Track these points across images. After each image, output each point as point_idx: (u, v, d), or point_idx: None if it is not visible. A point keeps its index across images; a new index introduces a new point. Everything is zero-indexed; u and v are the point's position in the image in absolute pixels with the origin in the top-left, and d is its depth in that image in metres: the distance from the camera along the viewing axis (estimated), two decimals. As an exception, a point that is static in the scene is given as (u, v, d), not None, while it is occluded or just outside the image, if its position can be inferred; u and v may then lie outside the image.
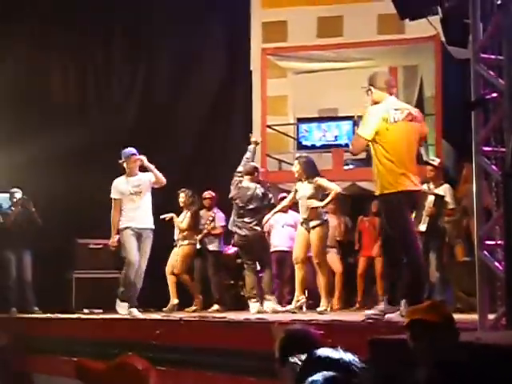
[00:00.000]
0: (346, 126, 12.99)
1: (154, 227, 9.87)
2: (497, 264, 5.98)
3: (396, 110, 7.04)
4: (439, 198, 9.78)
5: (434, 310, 3.94)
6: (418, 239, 7.09)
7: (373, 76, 7.30)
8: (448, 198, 9.87)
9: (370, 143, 7.02)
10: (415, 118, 7.16)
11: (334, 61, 13.69)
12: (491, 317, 6.03)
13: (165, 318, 9.23)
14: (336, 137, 13.02)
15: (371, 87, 7.17)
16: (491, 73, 6.07)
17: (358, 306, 11.47)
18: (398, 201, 6.87)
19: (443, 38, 12.29)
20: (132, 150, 9.93)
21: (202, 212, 11.60)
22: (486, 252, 6.05)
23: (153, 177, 9.86)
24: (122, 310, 9.77)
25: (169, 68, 13.85)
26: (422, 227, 9.78)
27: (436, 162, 10.18)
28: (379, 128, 6.90)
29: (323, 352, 3.61)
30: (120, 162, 9.88)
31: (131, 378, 3.18)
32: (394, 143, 6.91)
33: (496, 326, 5.89)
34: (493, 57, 6.09)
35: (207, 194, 11.61)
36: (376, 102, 7.11)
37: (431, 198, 9.81)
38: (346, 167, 12.69)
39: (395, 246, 7.00)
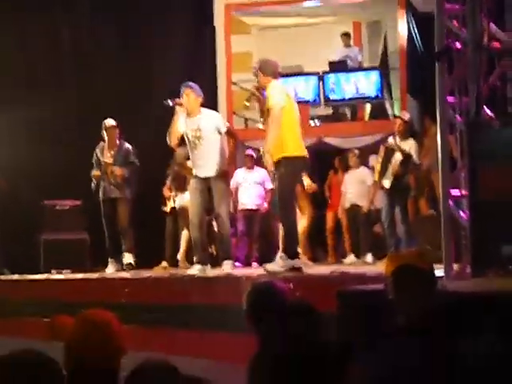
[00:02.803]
0: (312, 81, 12.97)
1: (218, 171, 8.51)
2: (462, 214, 6.05)
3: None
4: (407, 158, 9.83)
5: (419, 258, 3.95)
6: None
7: (263, 64, 8.01)
8: (413, 153, 9.94)
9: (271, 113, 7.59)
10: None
11: (298, 16, 13.63)
12: (456, 266, 6.11)
13: (134, 276, 9.23)
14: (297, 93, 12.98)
15: (260, 72, 7.88)
16: (455, 23, 6.08)
17: (330, 260, 11.56)
18: (296, 164, 7.74)
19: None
20: (189, 82, 8.63)
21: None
22: (451, 202, 6.12)
23: (219, 118, 8.69)
24: (192, 270, 8.66)
25: (132, 25, 13.68)
26: (386, 183, 9.88)
27: (406, 116, 10.33)
28: (286, 103, 7.65)
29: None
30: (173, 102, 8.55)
31: (97, 329, 3.20)
32: (295, 116, 7.79)
33: (461, 274, 5.97)
34: (456, 7, 6.10)
35: None
36: (261, 86, 7.89)
37: (398, 156, 9.85)
38: (311, 123, 12.69)
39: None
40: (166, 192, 11.42)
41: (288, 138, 7.65)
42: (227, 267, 8.47)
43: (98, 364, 3.12)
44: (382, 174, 9.97)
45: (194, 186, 8.67)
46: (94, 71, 13.64)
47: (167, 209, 11.45)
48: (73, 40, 13.72)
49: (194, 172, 8.61)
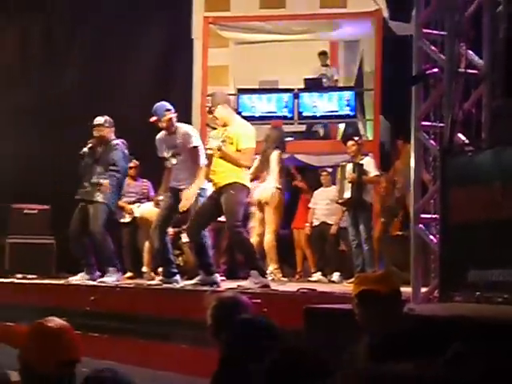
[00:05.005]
0: (286, 98, 13.00)
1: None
2: (431, 237, 6.08)
3: None
4: (357, 165, 10.03)
5: (385, 281, 3.96)
6: None
7: (215, 96, 8.34)
8: (370, 168, 10.09)
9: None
10: None
11: (276, 33, 13.67)
12: (424, 290, 6.14)
13: (100, 284, 9.17)
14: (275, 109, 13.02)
15: (219, 105, 8.10)
16: (433, 48, 6.14)
17: (298, 277, 11.57)
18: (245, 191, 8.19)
19: (385, 14, 12.52)
20: (164, 105, 8.87)
21: (127, 181, 10.95)
22: (421, 225, 6.15)
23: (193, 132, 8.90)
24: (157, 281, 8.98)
25: (112, 33, 13.67)
26: (347, 194, 10.06)
27: (357, 138, 10.64)
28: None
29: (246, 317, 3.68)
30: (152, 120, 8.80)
31: (49, 337, 3.23)
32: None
33: (428, 298, 6.00)
34: (435, 32, 6.16)
35: (132, 163, 11.06)
36: (224, 117, 8.12)
37: (350, 166, 10.10)
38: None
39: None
40: (122, 202, 11.20)
41: (243, 171, 8.09)
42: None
43: (50, 371, 3.15)
44: (342, 190, 10.12)
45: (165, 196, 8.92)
46: (66, 79, 13.62)
47: (126, 219, 11.37)
48: (48, 47, 13.73)
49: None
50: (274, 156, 9.90)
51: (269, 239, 9.80)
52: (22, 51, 13.71)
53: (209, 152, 8.21)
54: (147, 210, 10.61)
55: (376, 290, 3.85)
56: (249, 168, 8.13)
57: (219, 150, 7.97)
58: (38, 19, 13.79)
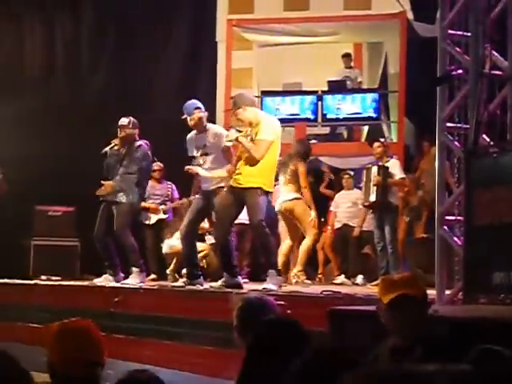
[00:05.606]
0: (310, 100, 13.00)
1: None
2: (456, 239, 6.05)
3: None
4: (382, 168, 10.03)
5: (415, 285, 3.95)
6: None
7: (240, 97, 8.09)
8: (396, 170, 10.08)
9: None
10: None
11: (300, 35, 13.67)
12: (448, 292, 6.11)
13: (124, 285, 9.19)
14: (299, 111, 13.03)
15: (243, 106, 7.87)
16: (457, 49, 6.11)
17: (318, 279, 11.55)
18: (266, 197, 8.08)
19: (409, 16, 12.50)
20: (195, 103, 8.81)
21: (151, 184, 11.09)
22: (445, 227, 6.13)
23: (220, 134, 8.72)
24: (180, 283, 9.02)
25: (136, 37, 13.74)
26: (372, 197, 10.05)
27: (382, 139, 10.69)
28: (275, 141, 7.88)
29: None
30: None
31: (75, 338, 3.25)
32: (276, 155, 8.03)
33: (453, 300, 5.97)
34: (459, 33, 6.13)
35: (156, 165, 11.06)
36: (248, 118, 7.87)
37: (375, 169, 10.09)
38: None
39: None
40: (147, 204, 11.21)
41: (268, 173, 7.93)
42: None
43: (75, 372, 3.17)
44: (367, 193, 10.10)
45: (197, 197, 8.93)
46: (91, 81, 13.69)
47: (150, 221, 11.41)
48: (76, 47, 13.84)
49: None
50: (302, 170, 9.89)
51: (307, 241, 9.79)
52: (51, 51, 13.80)
53: (228, 143, 8.18)
54: (174, 247, 10.50)
55: (412, 294, 3.84)
56: (258, 161, 7.84)
57: (236, 140, 7.95)
58: (67, 20, 13.88)
